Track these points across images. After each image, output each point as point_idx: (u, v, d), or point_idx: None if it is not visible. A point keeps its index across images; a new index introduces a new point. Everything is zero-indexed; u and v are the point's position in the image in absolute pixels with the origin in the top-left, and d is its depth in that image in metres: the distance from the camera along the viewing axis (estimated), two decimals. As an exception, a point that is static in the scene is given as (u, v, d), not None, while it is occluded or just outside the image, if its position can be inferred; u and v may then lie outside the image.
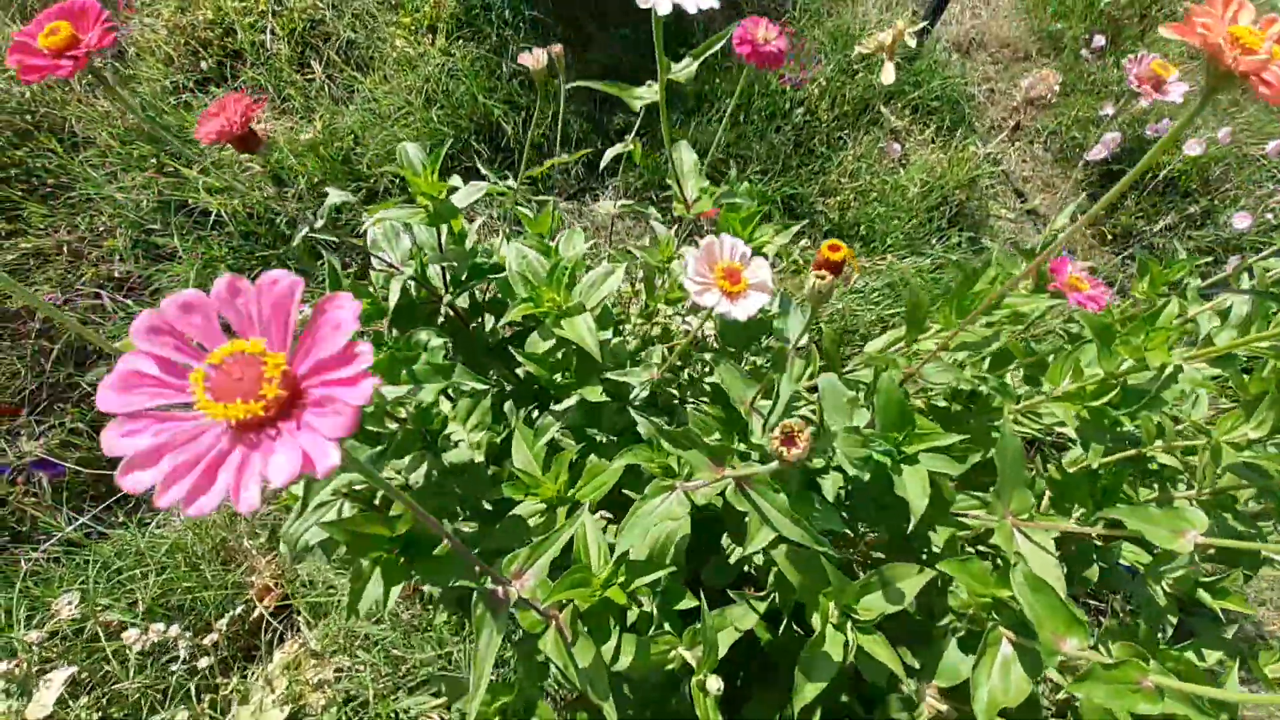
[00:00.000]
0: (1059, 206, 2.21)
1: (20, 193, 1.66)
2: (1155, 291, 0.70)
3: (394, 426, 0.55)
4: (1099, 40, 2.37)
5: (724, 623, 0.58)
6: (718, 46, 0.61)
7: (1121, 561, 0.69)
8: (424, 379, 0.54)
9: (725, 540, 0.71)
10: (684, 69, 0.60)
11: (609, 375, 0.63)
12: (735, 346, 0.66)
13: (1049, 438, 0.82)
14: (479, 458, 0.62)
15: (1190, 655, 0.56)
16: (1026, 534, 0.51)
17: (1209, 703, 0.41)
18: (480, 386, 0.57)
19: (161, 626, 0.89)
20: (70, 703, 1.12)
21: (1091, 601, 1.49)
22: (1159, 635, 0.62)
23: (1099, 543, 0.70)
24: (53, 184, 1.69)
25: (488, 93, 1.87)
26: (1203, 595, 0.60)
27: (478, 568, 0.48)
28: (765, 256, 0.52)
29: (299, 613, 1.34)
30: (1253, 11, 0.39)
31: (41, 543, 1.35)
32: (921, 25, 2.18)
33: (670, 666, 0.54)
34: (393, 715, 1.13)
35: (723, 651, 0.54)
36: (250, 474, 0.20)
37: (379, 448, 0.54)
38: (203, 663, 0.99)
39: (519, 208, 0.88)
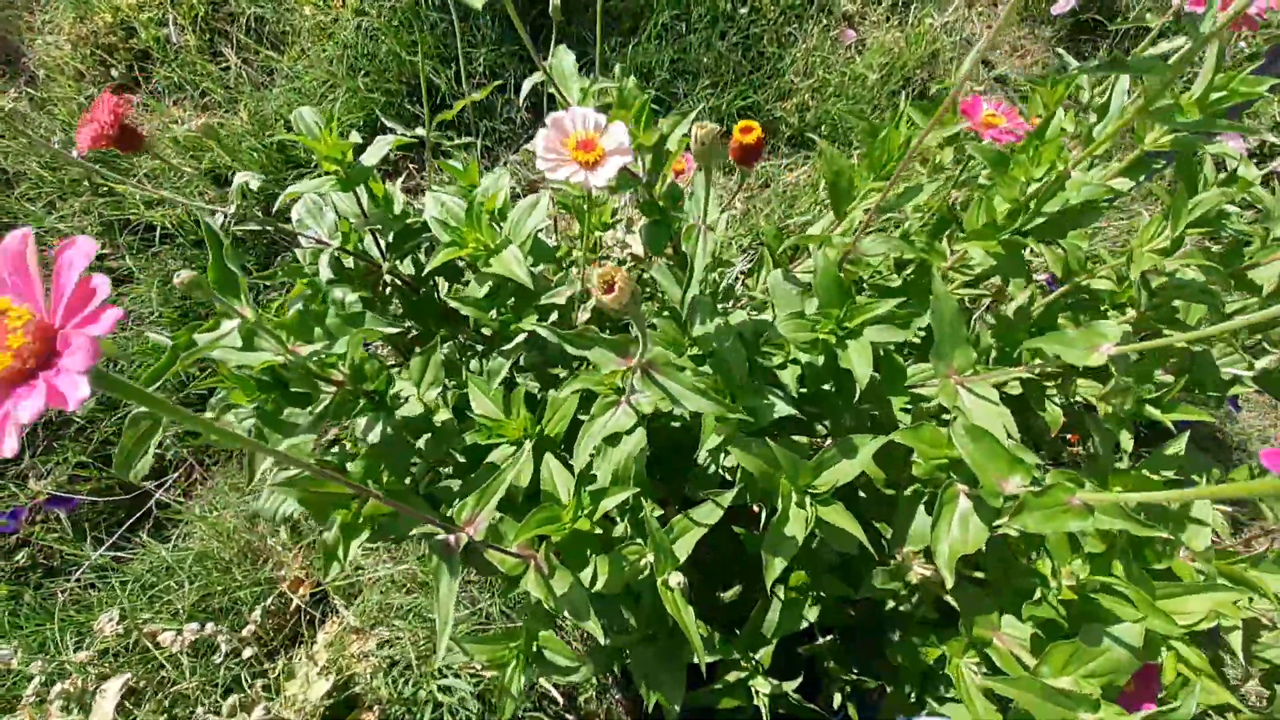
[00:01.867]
0: (1030, 68, 2.10)
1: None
2: (1049, 111, 0.67)
3: (331, 389, 0.55)
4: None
5: (687, 525, 0.60)
6: None
7: (1076, 398, 0.70)
8: (337, 332, 0.53)
9: (701, 455, 0.72)
10: None
11: (543, 302, 0.62)
12: (658, 252, 0.65)
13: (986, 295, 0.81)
14: (443, 414, 0.62)
15: (1144, 473, 0.57)
16: (970, 389, 0.52)
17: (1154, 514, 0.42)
18: (390, 331, 0.56)
19: (195, 626, 0.94)
20: (135, 711, 1.19)
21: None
22: (1116, 463, 0.63)
23: (1049, 385, 0.71)
24: (8, 220, 1.65)
25: (410, 48, 1.76)
26: (1150, 411, 0.60)
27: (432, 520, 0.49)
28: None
29: (333, 596, 1.40)
30: None
31: (73, 573, 1.40)
32: (860, -109, 2.01)
33: (645, 574, 0.56)
34: (436, 673, 1.20)
35: (688, 549, 0.56)
36: (10, 423, 0.21)
37: (314, 409, 0.54)
38: (247, 652, 1.04)
39: (448, 161, 0.84)
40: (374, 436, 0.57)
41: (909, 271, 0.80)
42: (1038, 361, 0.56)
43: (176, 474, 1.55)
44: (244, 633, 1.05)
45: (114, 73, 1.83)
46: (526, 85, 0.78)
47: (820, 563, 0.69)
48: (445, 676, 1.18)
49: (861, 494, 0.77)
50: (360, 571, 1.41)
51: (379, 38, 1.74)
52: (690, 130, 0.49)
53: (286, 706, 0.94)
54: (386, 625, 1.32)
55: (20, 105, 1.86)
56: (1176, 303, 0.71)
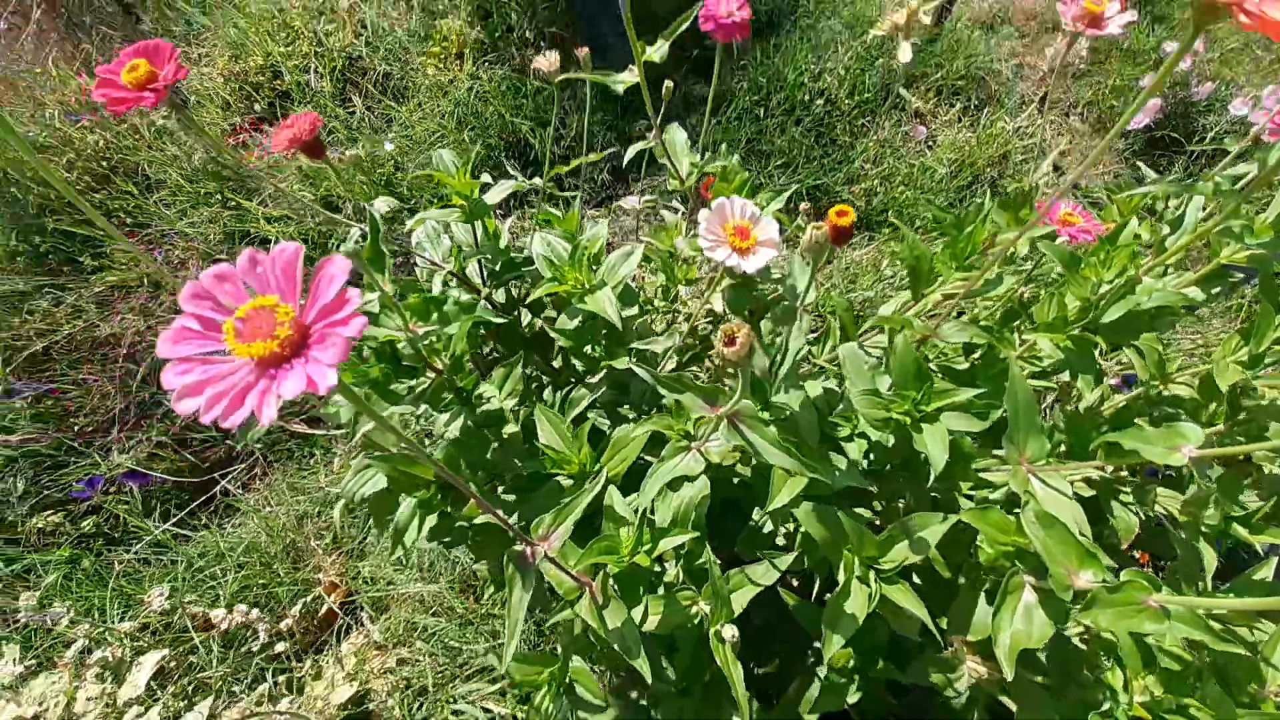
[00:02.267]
0: (1103, 177, 2.13)
1: (103, 232, 1.84)
2: (1124, 218, 0.69)
3: (431, 375, 0.61)
4: (1128, 15, 2.28)
5: (742, 581, 0.60)
6: (685, 26, 0.65)
7: (1158, 509, 0.68)
8: (452, 317, 0.59)
9: (757, 515, 0.73)
10: (658, 49, 0.64)
11: (635, 345, 0.67)
12: (738, 313, 0.69)
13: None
14: (511, 428, 0.67)
15: (1229, 598, 0.55)
16: (1042, 479, 0.52)
17: (1222, 627, 0.41)
18: (498, 320, 0.62)
19: (245, 608, 0.98)
20: (159, 692, 1.22)
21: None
22: (1198, 582, 0.60)
23: (1125, 490, 0.69)
24: (131, 223, 1.87)
25: (514, 111, 1.96)
26: (1237, 530, 0.58)
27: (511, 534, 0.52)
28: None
29: (362, 609, 1.43)
30: None
31: (132, 545, 1.48)
32: (938, 3, 2.15)
33: (694, 622, 0.56)
34: (451, 699, 1.19)
35: (741, 605, 0.57)
36: (270, 396, 0.25)
37: (415, 387, 0.60)
38: (280, 647, 1.07)
39: (548, 208, 0.93)
40: (454, 431, 0.62)
41: (976, 356, 0.82)
42: (1109, 466, 0.56)
43: (243, 465, 1.65)
44: (281, 626, 1.09)
45: (256, 106, 2.09)
46: (632, 150, 0.87)
47: (871, 642, 0.68)
48: (458, 703, 1.17)
49: (916, 578, 0.76)
50: (391, 586, 1.44)
51: (488, 99, 1.94)
52: (780, 207, 0.54)
53: (309, 706, 0.95)
54: (408, 646, 1.33)
55: (170, 123, 2.13)
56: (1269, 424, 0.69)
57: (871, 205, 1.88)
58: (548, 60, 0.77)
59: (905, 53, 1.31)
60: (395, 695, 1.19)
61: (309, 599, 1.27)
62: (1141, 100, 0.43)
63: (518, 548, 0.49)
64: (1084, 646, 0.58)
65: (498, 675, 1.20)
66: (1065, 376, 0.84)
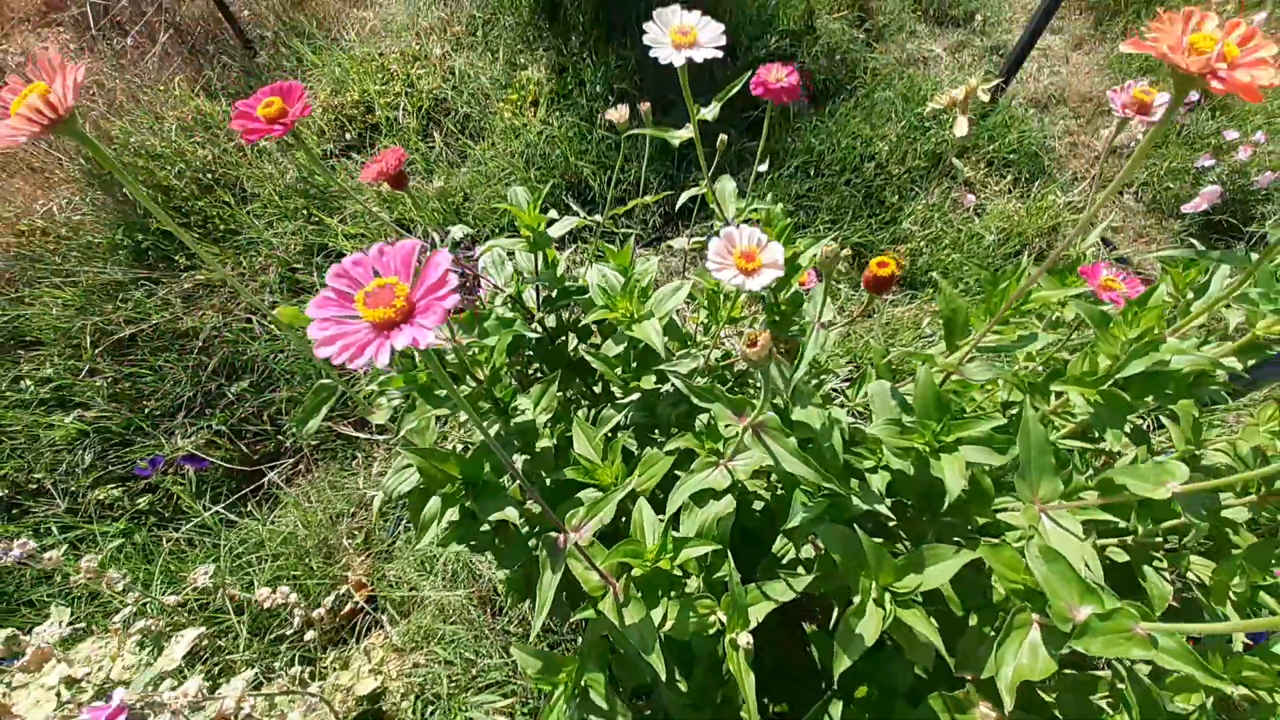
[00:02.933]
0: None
1: (198, 235, 2.03)
2: (1181, 294, 0.70)
3: (472, 384, 0.66)
4: (1191, 96, 2.31)
5: (758, 596, 0.61)
6: (737, 89, 0.72)
7: (1190, 576, 0.66)
8: (492, 331, 0.65)
9: (778, 545, 0.74)
10: (710, 109, 0.71)
11: (662, 367, 0.71)
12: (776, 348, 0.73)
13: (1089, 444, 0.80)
14: (545, 442, 0.71)
15: (1256, 659, 0.53)
16: (1054, 518, 0.52)
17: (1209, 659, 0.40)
18: (533, 335, 0.67)
19: (286, 589, 1.02)
20: (187, 671, 1.27)
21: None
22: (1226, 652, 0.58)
23: (1159, 556, 0.67)
24: (224, 229, 2.06)
25: (579, 155, 2.09)
26: (1265, 599, 0.56)
27: (533, 506, 0.56)
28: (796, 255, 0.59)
29: (384, 610, 1.45)
30: (1214, 21, 0.43)
31: (182, 525, 1.56)
32: (996, 82, 2.23)
33: (711, 631, 0.58)
34: (463, 708, 1.19)
35: (757, 618, 0.58)
36: (385, 347, 0.33)
37: (463, 388, 0.65)
38: (309, 635, 1.11)
39: (604, 243, 1.01)
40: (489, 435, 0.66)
41: (1013, 413, 0.83)
42: (1114, 494, 0.56)
43: (290, 460, 1.73)
44: (314, 614, 1.13)
45: (348, 135, 2.29)
46: (685, 195, 0.93)
47: (888, 681, 0.67)
48: (470, 711, 1.17)
49: (932, 620, 0.75)
50: (414, 592, 1.47)
51: (555, 143, 2.08)
52: (817, 253, 0.59)
53: (330, 694, 0.98)
54: (425, 651, 1.35)
55: (270, 144, 2.35)
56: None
57: (916, 265, 1.91)
58: (618, 113, 0.85)
59: (962, 127, 1.37)
60: (409, 698, 1.20)
61: (339, 593, 1.31)
62: (1137, 157, 0.47)
63: (552, 535, 0.52)
64: (1107, 710, 0.57)
65: (511, 689, 1.21)
66: (1107, 444, 0.84)
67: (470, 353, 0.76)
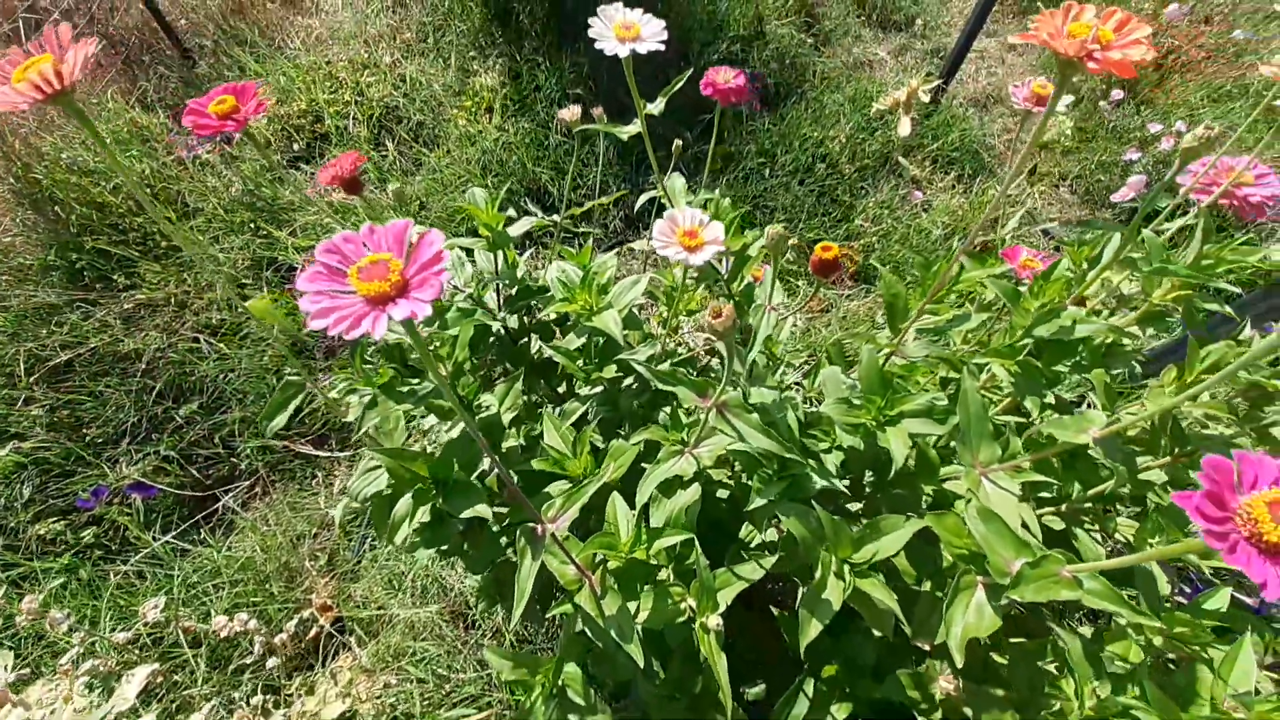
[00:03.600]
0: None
1: (137, 252, 1.94)
2: (1078, 268, 0.75)
3: (435, 380, 0.66)
4: (1117, 94, 2.46)
5: (729, 578, 0.63)
6: (679, 85, 0.74)
7: (1118, 537, 0.70)
8: (453, 322, 0.65)
9: (744, 531, 0.76)
10: (655, 105, 0.73)
11: (621, 356, 0.72)
12: (731, 334, 0.75)
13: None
14: (511, 441, 0.71)
15: (1185, 615, 0.57)
16: (993, 480, 0.56)
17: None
18: (494, 325, 0.67)
19: (244, 616, 0.98)
20: (142, 710, 1.21)
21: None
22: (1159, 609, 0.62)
23: (1089, 520, 0.72)
24: (165, 246, 1.97)
25: (536, 160, 2.09)
26: (1188, 556, 0.60)
27: (501, 509, 0.56)
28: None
29: (352, 632, 1.42)
30: (1092, 10, 0.47)
31: (129, 558, 1.49)
32: (936, 84, 2.32)
33: (682, 619, 0.59)
34: (436, 726, 1.17)
35: (726, 601, 0.59)
36: (381, 319, 0.33)
37: (419, 384, 0.64)
38: (271, 663, 1.07)
39: (563, 246, 1.01)
40: (454, 433, 0.66)
41: (951, 390, 0.87)
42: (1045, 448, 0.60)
43: (246, 483, 1.67)
44: (276, 640, 1.09)
45: (296, 146, 2.23)
46: (643, 197, 0.95)
47: (854, 661, 0.69)
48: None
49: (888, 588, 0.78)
50: (382, 611, 1.43)
51: (512, 149, 2.07)
52: (764, 244, 0.61)
53: (299, 719, 0.95)
54: (395, 671, 1.32)
55: (213, 157, 2.27)
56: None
57: (869, 260, 1.97)
58: (570, 112, 0.87)
59: (905, 127, 1.43)
60: (381, 719, 1.17)
61: (303, 617, 1.27)
62: (1031, 142, 0.50)
63: (529, 525, 0.52)
64: (1054, 670, 0.60)
65: (487, 702, 1.19)
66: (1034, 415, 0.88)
67: (433, 347, 0.75)
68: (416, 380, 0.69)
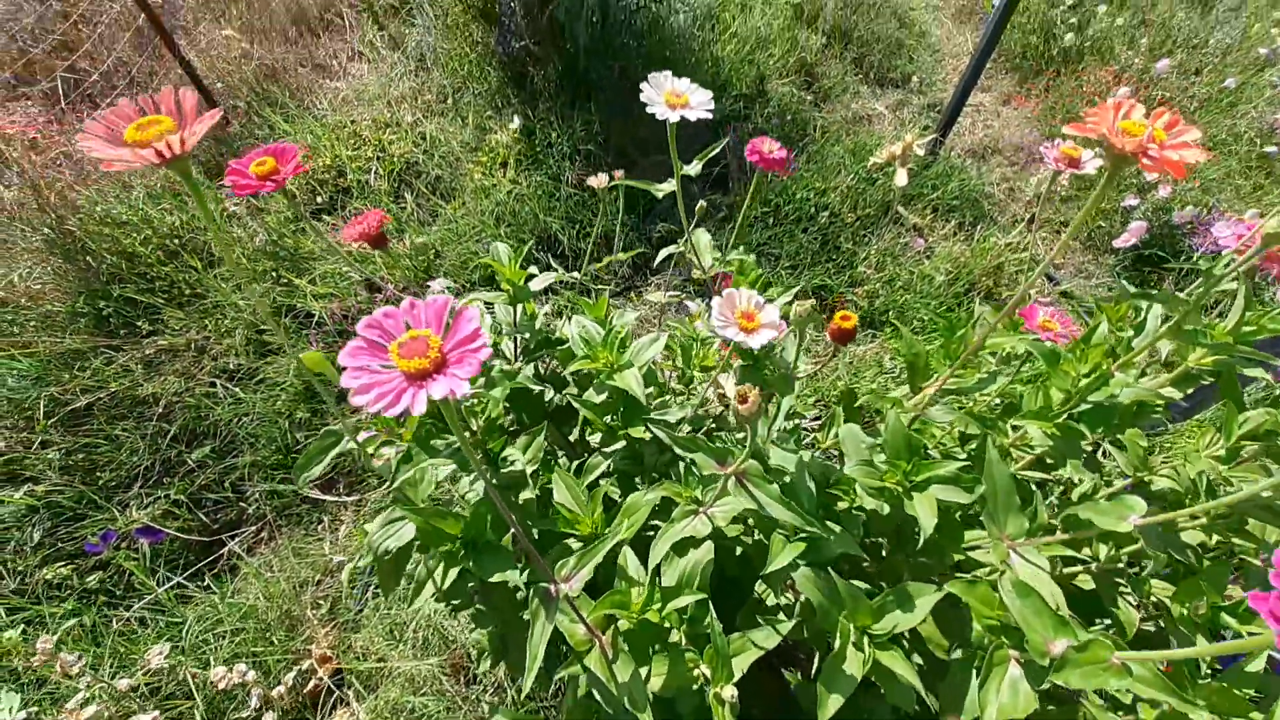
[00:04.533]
0: (1095, 290, 2.25)
1: (162, 300, 2.01)
2: (1115, 328, 0.76)
3: (467, 434, 0.66)
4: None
5: (744, 644, 0.61)
6: (716, 150, 0.78)
7: (1151, 598, 0.68)
8: (497, 381, 0.66)
9: (759, 588, 0.75)
10: (693, 166, 0.77)
11: (652, 415, 0.73)
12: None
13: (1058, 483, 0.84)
14: (527, 494, 0.71)
15: (1222, 685, 0.55)
16: (1021, 554, 0.54)
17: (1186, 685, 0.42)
18: (535, 388, 0.68)
19: (243, 668, 0.97)
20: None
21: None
22: (1197, 671, 0.60)
23: (1121, 582, 0.70)
24: (190, 294, 2.04)
25: (548, 211, 2.17)
26: (1226, 619, 0.58)
27: (528, 568, 0.56)
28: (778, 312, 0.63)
29: (351, 685, 1.38)
30: (1143, 110, 0.50)
31: (134, 604, 1.48)
32: (933, 137, 2.41)
33: (696, 686, 0.57)
34: (434, 789, 1.12)
35: (741, 668, 0.57)
36: (420, 396, 0.34)
37: (450, 444, 0.65)
38: (267, 718, 1.04)
39: (581, 297, 1.04)
40: (478, 489, 0.66)
41: (972, 446, 0.86)
42: (1080, 529, 0.59)
43: (253, 528, 1.67)
44: (273, 693, 1.06)
45: (319, 199, 2.34)
46: (663, 253, 0.98)
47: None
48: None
49: (918, 661, 0.75)
50: (383, 663, 1.40)
51: (525, 201, 2.16)
52: (789, 300, 0.63)
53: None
54: (395, 728, 1.27)
55: (240, 209, 2.37)
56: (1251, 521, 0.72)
57: (874, 305, 1.99)
58: (598, 180, 0.92)
59: (901, 179, 1.48)
60: (376, 781, 1.13)
61: (301, 669, 1.24)
62: (1086, 210, 0.52)
63: (543, 585, 0.52)
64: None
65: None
66: (1065, 472, 0.88)
67: (468, 404, 0.76)
68: (450, 437, 0.70)
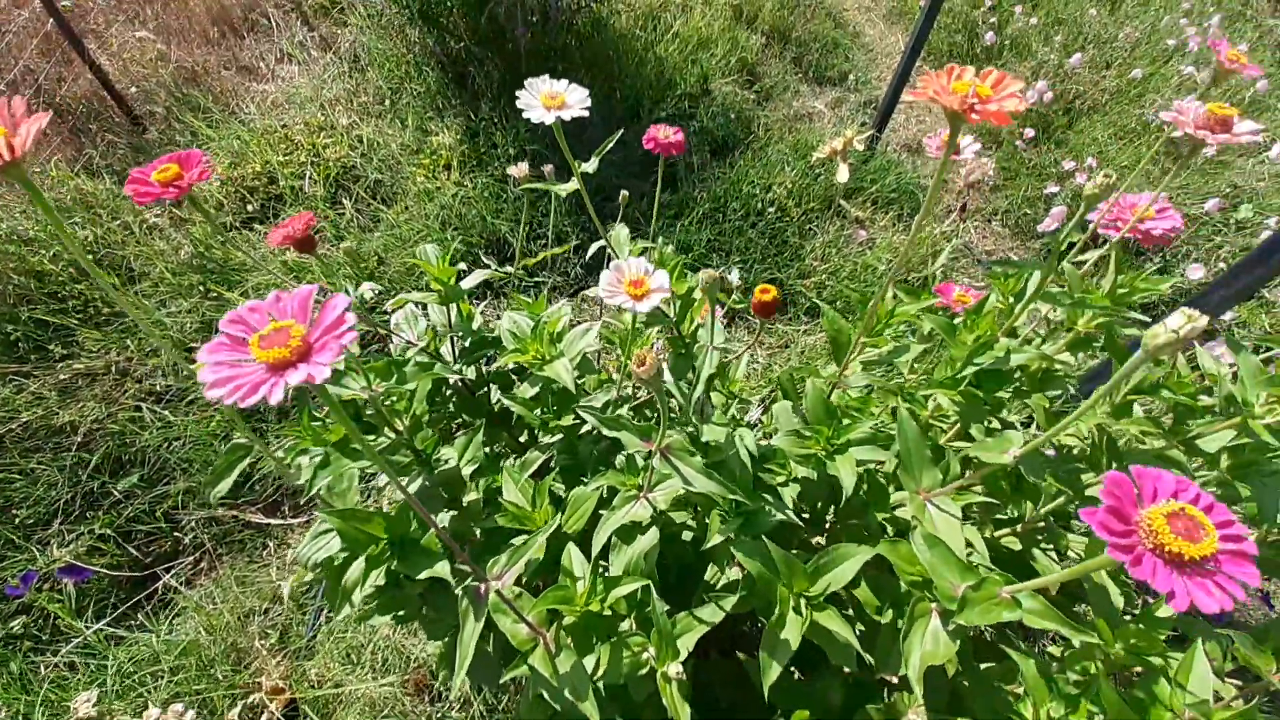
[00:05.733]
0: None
1: (76, 320, 1.87)
2: (1007, 300, 0.81)
3: (392, 435, 0.64)
4: (1029, 132, 2.68)
5: (690, 623, 0.62)
6: (610, 145, 0.79)
7: (1070, 554, 0.73)
8: (411, 376, 0.64)
9: (710, 571, 0.75)
10: (590, 164, 0.78)
11: (580, 404, 0.73)
12: (681, 378, 0.77)
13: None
14: (471, 495, 0.70)
15: (1139, 627, 0.59)
16: (937, 504, 0.57)
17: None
18: (452, 377, 0.66)
19: (180, 708, 0.90)
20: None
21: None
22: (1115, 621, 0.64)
23: (1043, 538, 0.74)
24: (108, 312, 1.91)
25: (495, 214, 2.13)
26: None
27: (464, 566, 0.54)
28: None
29: (305, 717, 1.32)
30: (971, 70, 0.53)
31: (61, 648, 1.37)
32: (870, 133, 2.49)
33: (644, 671, 0.57)
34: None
35: (688, 646, 0.58)
36: (279, 385, 0.33)
37: (375, 441, 0.63)
38: (210, 756, 0.98)
39: (520, 295, 1.02)
40: (412, 488, 0.64)
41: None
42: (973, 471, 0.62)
43: (190, 559, 1.57)
44: (217, 731, 1.00)
45: (249, 207, 2.22)
46: (594, 247, 0.98)
47: (823, 702, 0.68)
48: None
49: (861, 628, 0.78)
50: (339, 688, 1.35)
51: (471, 203, 2.11)
52: (702, 277, 0.64)
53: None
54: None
55: (162, 220, 2.23)
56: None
57: (821, 296, 2.04)
58: (519, 169, 0.91)
59: (843, 174, 1.52)
60: (335, 813, 1.08)
61: (249, 703, 1.17)
62: (933, 188, 0.55)
63: (472, 583, 0.51)
64: (1021, 694, 0.60)
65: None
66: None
67: (389, 402, 0.73)
68: (371, 437, 0.68)
